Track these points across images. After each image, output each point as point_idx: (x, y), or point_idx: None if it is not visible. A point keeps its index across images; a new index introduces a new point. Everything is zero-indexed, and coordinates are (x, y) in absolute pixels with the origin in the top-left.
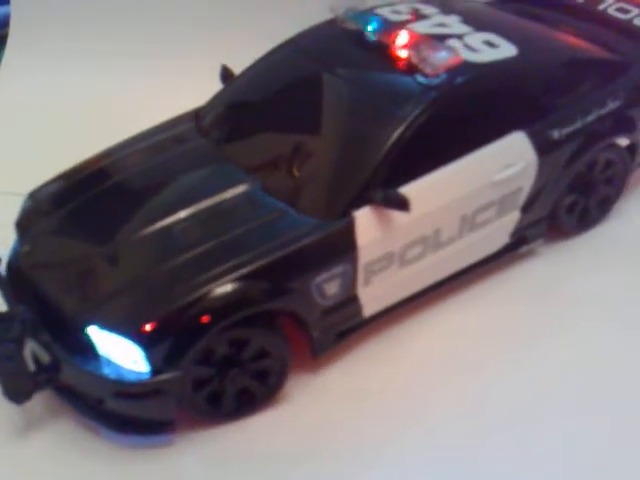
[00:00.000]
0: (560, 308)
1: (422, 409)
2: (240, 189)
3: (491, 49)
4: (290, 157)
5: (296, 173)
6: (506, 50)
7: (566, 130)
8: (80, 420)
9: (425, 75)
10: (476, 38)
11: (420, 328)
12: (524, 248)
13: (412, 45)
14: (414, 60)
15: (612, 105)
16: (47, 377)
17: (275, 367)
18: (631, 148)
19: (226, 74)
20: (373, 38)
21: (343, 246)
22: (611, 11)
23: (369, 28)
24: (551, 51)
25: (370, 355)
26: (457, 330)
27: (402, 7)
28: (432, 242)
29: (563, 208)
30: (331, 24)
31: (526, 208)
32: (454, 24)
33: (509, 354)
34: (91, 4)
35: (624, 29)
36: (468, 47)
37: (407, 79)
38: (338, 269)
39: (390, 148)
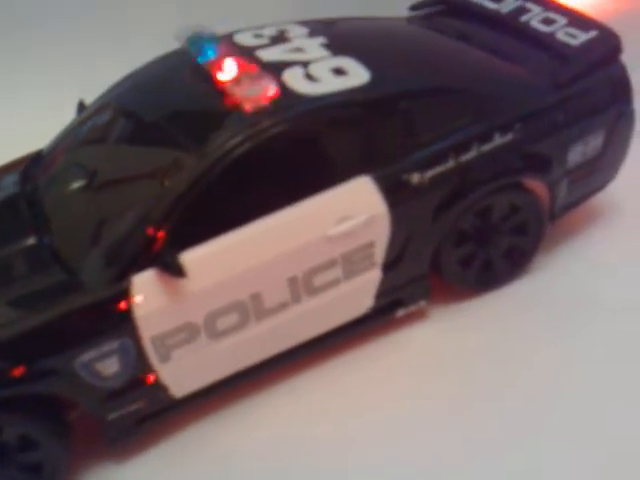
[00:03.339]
0: (448, 386)
1: None
2: (27, 245)
3: (337, 78)
4: (82, 213)
5: (83, 230)
6: (355, 78)
7: (431, 172)
8: None
9: (244, 112)
10: (325, 65)
11: (267, 412)
12: (400, 312)
13: (233, 78)
14: (232, 95)
15: (503, 139)
16: None
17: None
18: (550, 190)
19: (82, 111)
20: (204, 69)
21: (116, 317)
22: (535, 23)
23: (200, 57)
24: (420, 76)
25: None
26: (307, 411)
27: (268, 30)
28: (253, 309)
29: (453, 263)
30: (179, 53)
31: (390, 266)
32: (312, 49)
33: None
34: None
35: (543, 44)
36: (308, 76)
37: (221, 118)
38: (113, 344)
39: (181, 199)
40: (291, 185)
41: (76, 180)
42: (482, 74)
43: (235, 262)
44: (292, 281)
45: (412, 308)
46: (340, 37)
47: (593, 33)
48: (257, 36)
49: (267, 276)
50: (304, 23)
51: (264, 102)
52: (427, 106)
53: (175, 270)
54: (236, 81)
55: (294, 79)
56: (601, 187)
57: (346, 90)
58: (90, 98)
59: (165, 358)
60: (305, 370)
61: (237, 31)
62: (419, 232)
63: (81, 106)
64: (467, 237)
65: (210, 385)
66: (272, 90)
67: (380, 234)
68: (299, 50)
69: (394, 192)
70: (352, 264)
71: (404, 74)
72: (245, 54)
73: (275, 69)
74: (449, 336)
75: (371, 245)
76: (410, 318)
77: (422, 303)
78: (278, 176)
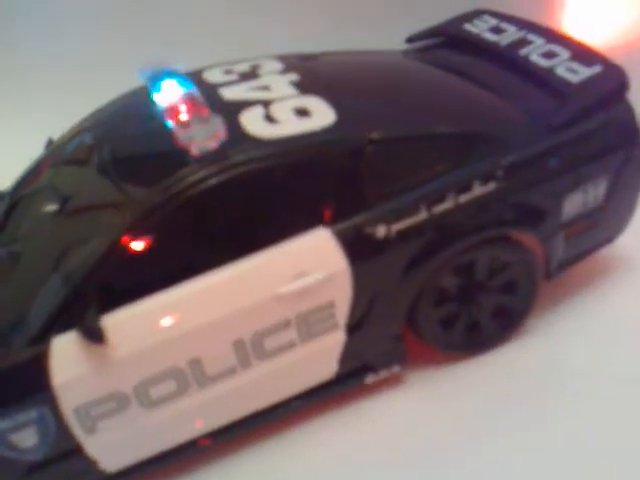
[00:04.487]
0: (419, 461)
1: None
2: None
3: (298, 119)
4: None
5: (16, 281)
6: (319, 120)
7: (398, 225)
8: None
9: (190, 157)
10: (289, 105)
11: None
12: (370, 378)
13: (181, 119)
14: (179, 138)
15: (484, 189)
16: None
17: None
18: (543, 245)
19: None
20: (158, 108)
21: (32, 383)
22: (534, 57)
23: (155, 95)
24: (394, 118)
25: None
26: None
27: (241, 65)
28: (193, 376)
29: (433, 324)
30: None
31: (355, 328)
32: (280, 86)
33: None
34: None
35: (541, 80)
36: (268, 118)
37: (165, 163)
38: (29, 414)
39: (113, 251)
40: (238, 237)
41: (18, 227)
42: (465, 115)
43: (170, 325)
44: (238, 345)
45: (384, 374)
46: (314, 74)
47: (596, 69)
48: (227, 72)
49: (207, 340)
50: (282, 58)
51: (212, 146)
52: (398, 151)
53: (95, 335)
54: (184, 123)
55: (251, 120)
56: (607, 241)
57: (306, 133)
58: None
59: (91, 430)
60: (259, 442)
61: (209, 66)
62: (387, 291)
63: (50, 143)
64: (448, 296)
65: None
66: (222, 133)
67: (341, 293)
68: (265, 88)
69: (356, 247)
70: (309, 326)
71: (375, 115)
72: (207, 92)
73: (234, 109)
74: (426, 406)
75: (331, 305)
76: (383, 384)
77: (396, 368)
78: (223, 227)
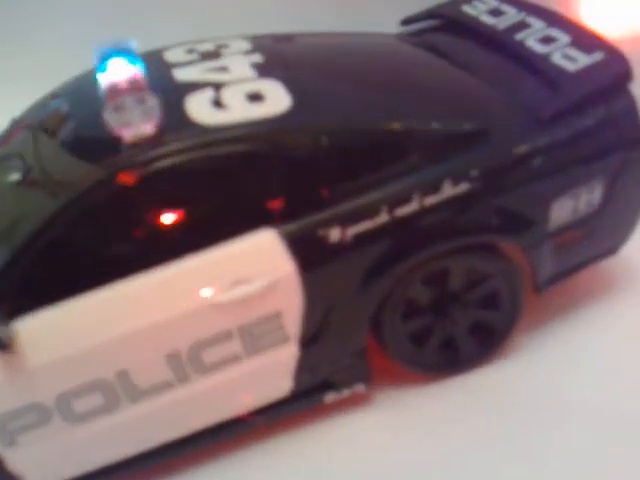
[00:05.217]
0: None
1: None
2: None
3: (249, 105)
4: None
5: None
6: (271, 106)
7: (355, 228)
8: None
9: (120, 143)
10: (242, 89)
11: None
12: (330, 397)
13: (116, 102)
14: (112, 121)
15: (455, 190)
16: None
17: None
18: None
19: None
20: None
21: None
22: (531, 42)
23: (101, 75)
24: (358, 107)
25: None
26: None
27: (207, 44)
28: (123, 390)
29: (402, 340)
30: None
31: (310, 341)
32: (239, 68)
33: None
34: None
35: (535, 68)
36: (216, 102)
37: (93, 150)
38: None
39: (29, 247)
40: (172, 237)
41: None
42: (440, 107)
43: (93, 332)
44: (172, 357)
45: (346, 393)
46: (280, 56)
47: (597, 56)
48: (189, 51)
49: (136, 350)
50: (254, 38)
51: (147, 131)
52: (358, 145)
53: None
54: (118, 105)
55: (196, 105)
56: (608, 252)
57: (253, 121)
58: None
59: (10, 442)
60: (205, 464)
61: (173, 45)
62: (345, 301)
63: (13, 123)
64: (419, 308)
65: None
66: (158, 117)
67: (289, 303)
68: (223, 69)
69: (306, 251)
70: (255, 338)
71: (336, 104)
72: (160, 72)
73: (181, 92)
74: (392, 430)
75: (278, 315)
76: (348, 403)
77: (359, 387)
78: (154, 224)
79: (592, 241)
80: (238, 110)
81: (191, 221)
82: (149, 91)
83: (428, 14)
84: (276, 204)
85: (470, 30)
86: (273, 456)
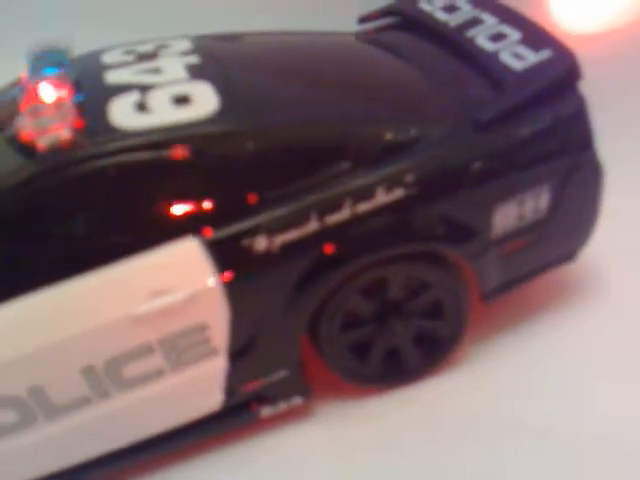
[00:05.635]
0: None
1: None
2: None
3: (174, 108)
4: None
5: None
6: (197, 110)
7: (283, 237)
8: None
9: (33, 149)
10: (170, 91)
11: None
12: (266, 411)
13: (32, 105)
14: (26, 126)
15: (389, 196)
16: None
17: None
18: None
19: None
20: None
21: None
22: (481, 39)
23: (29, 78)
24: (289, 110)
25: None
26: None
27: (147, 45)
28: (38, 406)
29: (340, 352)
30: None
31: (240, 354)
32: (173, 70)
33: None
34: None
35: (482, 67)
36: (141, 106)
37: (8, 155)
38: None
39: None
40: (87, 245)
41: None
42: (375, 108)
43: (1, 347)
44: (89, 372)
45: (282, 407)
46: (218, 57)
47: (545, 54)
48: (127, 52)
49: (50, 365)
50: (197, 38)
51: (63, 137)
52: (286, 149)
53: None
54: (34, 109)
55: (119, 109)
56: (564, 259)
57: (176, 124)
58: None
59: None
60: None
61: (115, 46)
62: (276, 312)
63: None
64: (359, 319)
65: None
66: (71, 121)
67: (214, 314)
68: (156, 71)
69: (231, 261)
70: (179, 352)
71: (266, 106)
72: (93, 75)
73: (107, 95)
74: (332, 444)
75: (203, 328)
76: (288, 417)
77: (297, 400)
78: (69, 233)
79: (543, 248)
80: (161, 114)
81: (107, 230)
82: (70, 94)
83: (385, 11)
84: (199, 212)
85: (424, 27)
86: (213, 470)
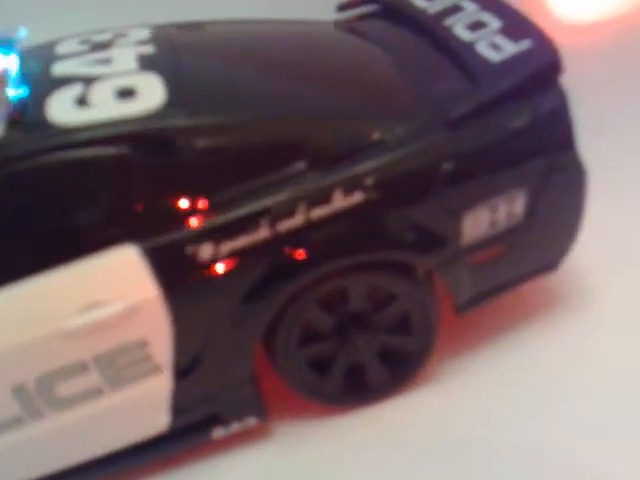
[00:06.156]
0: None
1: None
2: None
3: (117, 102)
4: None
5: None
6: (141, 104)
7: (231, 244)
8: None
9: None
10: (116, 83)
11: None
12: (218, 432)
13: None
14: None
15: (347, 201)
16: None
17: None
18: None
19: None
20: None
21: None
22: (458, 28)
23: None
24: (241, 105)
25: None
26: None
27: (105, 34)
28: None
29: (299, 368)
30: None
31: (186, 372)
32: (123, 61)
33: None
34: None
35: (458, 58)
36: (81, 100)
37: None
38: None
39: None
40: (12, 253)
41: None
42: (339, 105)
43: None
44: (19, 390)
45: (236, 427)
46: (173, 47)
47: (524, 45)
48: (82, 42)
49: None
50: (157, 27)
51: None
52: (236, 149)
53: None
54: None
55: (58, 103)
56: (544, 269)
57: (115, 120)
58: None
59: None
60: None
61: (70, 35)
62: (224, 326)
63: None
64: (318, 333)
65: None
66: (6, 117)
67: (155, 329)
68: (106, 62)
69: (173, 270)
70: (117, 369)
71: (219, 100)
72: (41, 66)
73: (49, 88)
74: (290, 466)
75: (143, 344)
76: (242, 437)
77: (251, 420)
78: None
79: (520, 257)
80: (102, 108)
81: (35, 235)
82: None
83: None
84: (137, 217)
85: (404, 15)
86: None
